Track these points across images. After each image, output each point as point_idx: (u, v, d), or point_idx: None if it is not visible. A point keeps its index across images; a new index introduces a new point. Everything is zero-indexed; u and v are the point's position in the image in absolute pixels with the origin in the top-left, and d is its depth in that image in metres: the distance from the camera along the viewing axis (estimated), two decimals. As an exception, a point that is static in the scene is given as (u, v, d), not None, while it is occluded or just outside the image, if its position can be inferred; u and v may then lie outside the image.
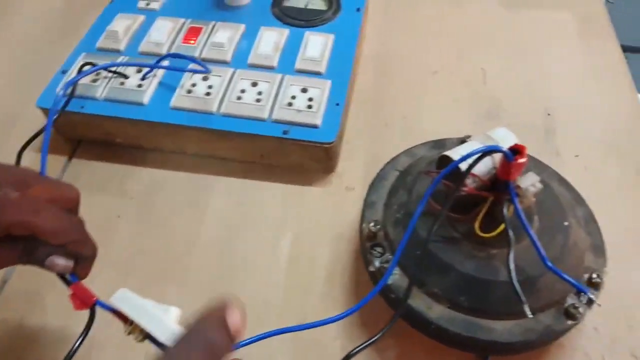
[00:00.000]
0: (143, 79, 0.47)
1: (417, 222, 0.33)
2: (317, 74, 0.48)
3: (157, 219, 0.45)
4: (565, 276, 0.32)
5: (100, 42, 0.51)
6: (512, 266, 0.30)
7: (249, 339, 0.29)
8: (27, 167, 0.30)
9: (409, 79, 0.55)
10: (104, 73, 0.48)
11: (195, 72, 0.47)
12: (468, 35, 0.60)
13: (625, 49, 0.65)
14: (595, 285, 0.33)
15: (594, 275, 0.33)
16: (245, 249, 0.43)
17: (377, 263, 0.35)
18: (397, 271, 0.34)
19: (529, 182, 0.30)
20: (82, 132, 0.49)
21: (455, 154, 0.31)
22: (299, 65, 0.49)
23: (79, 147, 0.50)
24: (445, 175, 0.29)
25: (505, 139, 0.32)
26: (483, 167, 0.31)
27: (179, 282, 0.41)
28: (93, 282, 0.31)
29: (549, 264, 0.30)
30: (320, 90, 0.46)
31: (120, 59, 0.49)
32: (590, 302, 0.33)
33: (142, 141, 0.48)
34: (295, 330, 0.33)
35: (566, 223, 0.34)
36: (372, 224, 0.36)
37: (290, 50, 0.50)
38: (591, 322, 0.39)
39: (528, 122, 0.51)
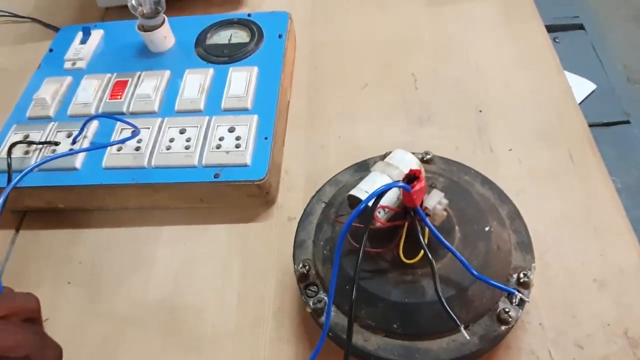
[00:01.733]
0: (73, 143, 0.48)
1: (343, 260, 0.34)
2: (243, 110, 0.49)
3: (106, 280, 0.46)
4: (493, 282, 0.32)
5: (30, 111, 0.52)
6: (439, 290, 0.30)
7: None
8: None
9: (341, 96, 0.56)
10: (34, 144, 0.48)
11: (132, 135, 0.47)
12: (396, 41, 0.60)
13: (556, 28, 0.65)
14: (524, 285, 0.34)
15: (522, 275, 0.34)
16: (194, 296, 0.44)
17: (311, 303, 0.35)
18: (333, 309, 0.35)
19: (434, 201, 0.31)
20: (25, 203, 0.50)
21: (360, 191, 0.31)
22: (225, 104, 0.49)
23: (25, 218, 0.51)
24: (352, 221, 0.30)
25: (404, 161, 0.32)
26: (391, 196, 0.31)
27: (132, 340, 0.42)
28: None
29: (475, 273, 0.30)
30: (247, 127, 0.47)
31: (51, 125, 0.50)
32: (522, 302, 0.34)
33: (84, 204, 0.49)
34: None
35: (487, 228, 0.35)
36: (301, 265, 0.36)
37: (216, 90, 0.51)
38: (536, 319, 0.39)
39: (460, 121, 0.52)
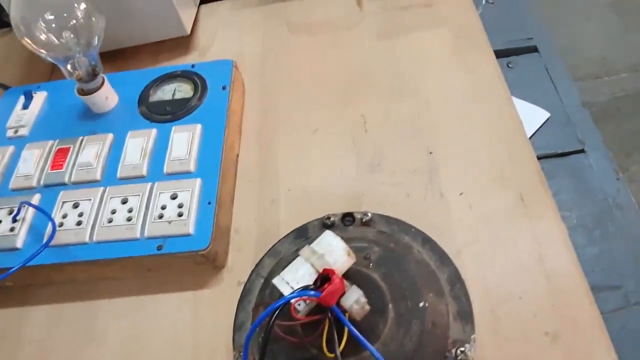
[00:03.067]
0: (14, 221, 0.47)
1: (275, 348, 0.33)
2: (186, 173, 0.48)
3: (54, 357, 0.45)
4: None
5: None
6: None
7: None
8: None
9: (291, 143, 0.55)
10: (-26, 224, 0.47)
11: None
12: (347, 80, 0.59)
13: (510, 52, 0.64)
14: (463, 360, 0.33)
15: (459, 351, 0.33)
16: (146, 373, 0.43)
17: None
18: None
19: (352, 300, 0.30)
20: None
21: (281, 281, 0.30)
22: (167, 168, 0.48)
23: (-27, 299, 0.50)
24: (259, 323, 0.29)
25: (330, 248, 0.32)
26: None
27: None
28: None
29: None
30: (190, 193, 0.46)
31: (-8, 201, 0.49)
32: (461, 381, 0.33)
33: (31, 281, 0.48)
34: None
35: (422, 304, 0.34)
36: (237, 354, 0.35)
37: (159, 153, 0.50)
38: (486, 381, 0.38)
39: (411, 165, 0.51)
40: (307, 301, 0.31)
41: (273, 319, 0.29)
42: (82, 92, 0.52)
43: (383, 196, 0.49)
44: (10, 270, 0.41)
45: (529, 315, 0.41)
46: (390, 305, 0.34)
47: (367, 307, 0.31)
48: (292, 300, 0.30)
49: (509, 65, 0.60)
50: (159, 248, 0.44)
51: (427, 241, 0.39)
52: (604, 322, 0.40)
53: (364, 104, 0.56)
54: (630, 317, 0.42)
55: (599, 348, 0.38)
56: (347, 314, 0.31)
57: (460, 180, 0.49)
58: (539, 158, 0.50)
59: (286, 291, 0.31)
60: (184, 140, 0.49)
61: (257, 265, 0.41)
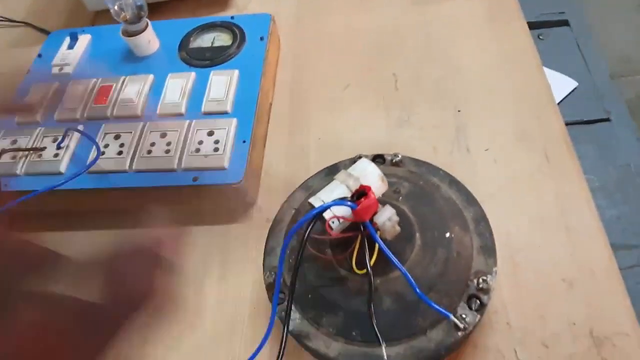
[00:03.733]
0: (58, 148, 0.49)
1: (306, 268, 0.35)
2: (223, 113, 0.50)
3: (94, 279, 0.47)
4: (433, 304, 0.32)
5: (18, 117, 0.53)
6: (372, 310, 0.31)
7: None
8: None
9: (323, 97, 0.56)
10: (21, 150, 0.50)
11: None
12: (380, 41, 0.60)
13: (541, 24, 0.65)
14: (484, 290, 0.34)
15: (481, 280, 0.34)
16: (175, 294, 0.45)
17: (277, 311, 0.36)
18: (298, 316, 0.36)
19: (385, 218, 0.32)
20: (16, 207, 0.51)
21: (317, 200, 0.32)
22: (205, 108, 0.50)
23: (15, 223, 0.52)
24: (296, 230, 0.31)
25: (365, 172, 0.33)
26: (344, 208, 0.32)
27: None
28: None
29: (418, 292, 0.31)
30: (226, 131, 0.48)
31: (37, 130, 0.51)
32: (482, 306, 0.34)
33: (71, 207, 0.50)
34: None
35: (448, 234, 0.36)
36: (268, 274, 0.37)
37: (197, 93, 0.52)
38: (504, 318, 0.40)
39: (439, 122, 0.52)
40: (342, 220, 0.33)
41: (311, 225, 0.31)
42: (127, 34, 0.55)
43: (411, 149, 0.50)
44: (54, 185, 0.44)
45: (547, 263, 0.42)
46: (418, 234, 0.36)
47: (398, 228, 0.33)
48: (327, 217, 0.32)
49: (540, 37, 0.61)
50: (195, 180, 0.46)
51: (454, 183, 0.41)
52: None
53: (396, 64, 0.58)
54: (645, 275, 0.43)
55: (614, 297, 0.40)
56: (378, 232, 0.32)
57: (487, 138, 0.50)
58: (565, 124, 0.51)
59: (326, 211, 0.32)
60: (222, 83, 0.51)
61: (288, 197, 0.42)
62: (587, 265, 0.41)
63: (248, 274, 0.45)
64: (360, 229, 0.32)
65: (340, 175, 0.34)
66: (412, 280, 0.31)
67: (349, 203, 0.30)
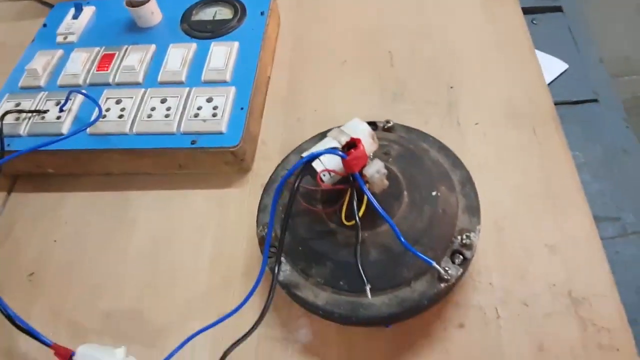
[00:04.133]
0: (61, 111, 0.50)
1: (297, 222, 0.37)
2: (222, 82, 0.51)
3: (90, 238, 0.49)
4: (417, 253, 0.33)
5: (22, 81, 0.54)
6: (358, 253, 0.33)
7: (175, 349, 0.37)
8: None
9: (320, 72, 0.58)
10: (24, 112, 0.51)
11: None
12: (377, 20, 0.62)
13: (535, 10, 0.67)
14: (467, 246, 0.36)
15: (464, 237, 0.36)
16: (171, 256, 0.46)
17: (270, 264, 0.38)
18: (288, 268, 0.37)
19: (373, 170, 0.33)
20: (17, 167, 0.52)
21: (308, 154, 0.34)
22: (205, 76, 0.52)
23: (16, 182, 0.54)
24: (288, 177, 0.32)
25: (357, 130, 0.35)
26: (338, 162, 0.33)
27: (113, 294, 0.45)
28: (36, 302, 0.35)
29: (403, 241, 0.33)
30: (224, 98, 0.49)
31: (41, 94, 0.53)
32: (465, 261, 0.36)
33: (71, 169, 0.52)
34: (206, 330, 0.37)
35: (434, 193, 0.37)
36: (261, 228, 0.39)
37: (198, 63, 0.53)
38: (486, 278, 0.41)
39: (431, 97, 0.54)
40: (332, 173, 0.34)
41: (301, 174, 0.32)
42: (131, 4, 0.56)
43: (403, 121, 0.51)
44: (55, 140, 0.45)
45: (531, 229, 0.43)
46: (405, 192, 0.37)
47: (386, 182, 0.34)
48: (319, 170, 0.34)
49: (534, 22, 0.63)
50: (193, 143, 0.47)
51: (442, 148, 0.42)
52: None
53: (392, 42, 0.59)
54: (625, 245, 0.45)
55: (594, 261, 0.41)
56: (367, 185, 0.34)
57: (477, 113, 0.52)
58: (554, 104, 0.52)
59: (315, 162, 0.34)
60: (222, 54, 0.53)
61: (283, 160, 0.44)
62: (569, 232, 0.43)
63: (242, 235, 0.47)
64: (350, 184, 0.34)
65: (333, 132, 0.35)
66: (397, 230, 0.32)
67: (339, 152, 0.32)
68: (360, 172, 0.34)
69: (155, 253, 0.47)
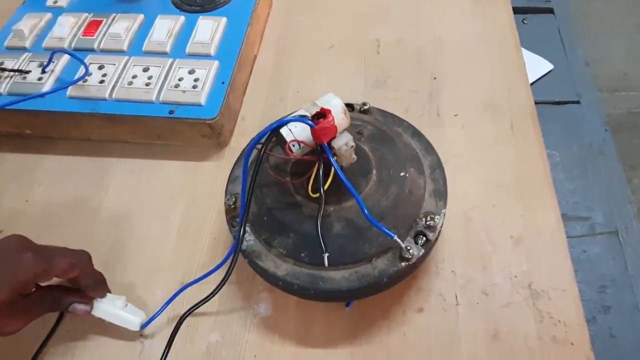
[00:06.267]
0: (43, 72, 0.50)
1: (264, 192, 0.37)
2: (206, 55, 0.51)
3: (63, 201, 0.49)
4: (378, 225, 0.33)
5: (8, 41, 0.54)
6: (319, 222, 0.33)
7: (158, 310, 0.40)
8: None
9: (306, 55, 0.58)
10: (6, 71, 0.51)
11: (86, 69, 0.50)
12: (367, 8, 0.62)
13: (527, 10, 0.67)
14: (431, 228, 0.36)
15: (429, 218, 0.36)
16: (141, 223, 0.47)
17: (234, 232, 0.38)
18: (251, 237, 0.37)
19: (342, 142, 0.33)
20: (-4, 127, 0.53)
21: (285, 128, 0.34)
22: (189, 49, 0.52)
23: (-6, 142, 0.54)
24: (255, 143, 0.33)
25: (330, 103, 0.35)
26: (307, 133, 0.33)
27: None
28: None
29: (366, 213, 0.33)
30: (206, 71, 0.49)
31: (25, 55, 0.53)
32: (427, 242, 0.36)
33: (50, 131, 0.52)
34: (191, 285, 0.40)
35: (403, 174, 0.37)
36: (229, 197, 0.39)
37: (184, 36, 0.53)
38: (449, 266, 0.42)
39: (414, 86, 0.54)
40: (302, 145, 0.34)
41: (268, 139, 0.32)
42: (122, -27, 0.56)
43: (384, 108, 0.52)
44: (36, 95, 0.45)
45: (498, 220, 0.44)
46: (374, 171, 0.37)
47: (354, 156, 0.34)
48: (288, 140, 0.34)
49: (524, 22, 0.63)
50: (171, 112, 0.47)
51: (416, 134, 0.42)
52: (568, 245, 0.43)
53: (380, 31, 0.59)
54: (592, 244, 0.45)
55: (557, 256, 0.42)
56: (335, 157, 0.34)
57: (458, 105, 0.52)
58: (535, 103, 0.53)
59: (285, 131, 0.34)
60: (209, 28, 0.53)
61: (258, 134, 0.44)
62: (535, 226, 0.43)
63: (213, 207, 0.47)
64: (318, 155, 0.34)
65: (306, 105, 0.35)
66: (362, 202, 0.33)
67: (308, 121, 0.32)
68: (329, 144, 0.34)
69: (124, 219, 0.47)
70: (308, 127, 0.34)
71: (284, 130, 0.34)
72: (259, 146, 0.35)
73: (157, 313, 0.39)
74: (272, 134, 0.33)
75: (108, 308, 0.38)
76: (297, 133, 0.34)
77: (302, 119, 0.32)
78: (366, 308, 0.40)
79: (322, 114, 0.33)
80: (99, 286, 0.38)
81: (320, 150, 0.34)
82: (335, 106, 0.35)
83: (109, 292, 0.39)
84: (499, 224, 0.44)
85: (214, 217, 0.46)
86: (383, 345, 0.38)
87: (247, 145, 0.44)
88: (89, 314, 0.38)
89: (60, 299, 0.37)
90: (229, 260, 0.36)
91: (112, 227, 0.46)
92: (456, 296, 0.40)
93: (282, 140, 0.34)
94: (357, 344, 0.39)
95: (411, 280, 0.41)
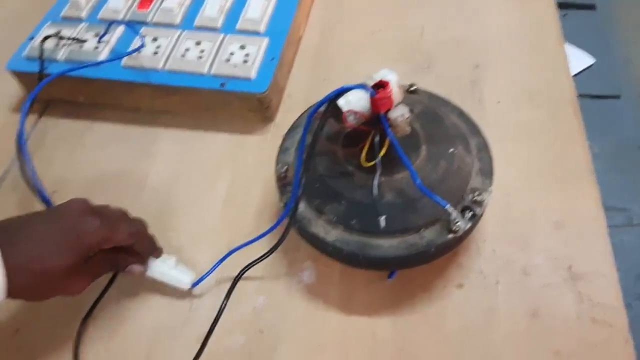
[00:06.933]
0: (99, 42, 0.52)
1: (317, 161, 0.38)
2: (256, 32, 0.53)
3: (111, 166, 0.50)
4: (430, 193, 0.34)
5: (65, 12, 0.56)
6: (375, 189, 0.35)
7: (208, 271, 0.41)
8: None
9: (350, 38, 0.59)
10: (64, 39, 0.53)
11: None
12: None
13: (569, 5, 0.67)
14: (477, 203, 0.37)
15: (476, 194, 0.37)
16: (187, 190, 0.48)
17: (284, 199, 0.39)
18: (302, 204, 0.39)
19: (398, 113, 0.34)
20: (50, 92, 0.54)
21: (342, 98, 0.35)
22: (240, 25, 0.53)
23: (47, 108, 0.56)
24: (316, 110, 0.34)
25: (386, 77, 0.36)
26: (363, 104, 0.35)
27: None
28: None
29: (418, 182, 0.34)
30: (257, 47, 0.51)
31: (82, 25, 0.54)
32: (474, 217, 0.37)
33: (102, 99, 0.54)
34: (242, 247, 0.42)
35: (451, 150, 0.38)
36: (280, 166, 0.40)
37: (235, 12, 0.54)
38: (490, 246, 0.43)
39: (456, 73, 0.55)
40: (358, 115, 0.35)
41: (328, 108, 0.34)
42: (176, -50, 0.57)
43: (427, 92, 0.53)
44: (93, 63, 0.47)
45: (539, 204, 0.45)
46: (424, 146, 0.38)
47: (409, 128, 0.35)
48: (345, 109, 0.35)
49: (565, 16, 0.63)
50: (222, 85, 0.49)
51: (463, 114, 0.43)
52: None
53: (425, 17, 0.60)
54: (630, 234, 0.46)
55: (597, 242, 0.42)
56: (391, 128, 0.35)
57: (500, 93, 0.53)
58: (577, 95, 0.53)
59: (343, 101, 0.35)
60: (260, 5, 0.54)
61: (308, 108, 0.45)
62: (575, 212, 0.44)
63: (257, 179, 0.48)
64: (372, 128, 0.35)
65: (364, 78, 0.37)
66: (415, 171, 0.34)
67: (369, 89, 0.33)
68: (385, 115, 0.35)
69: (172, 187, 0.48)
70: (364, 99, 0.35)
71: (341, 101, 0.35)
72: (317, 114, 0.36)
73: (207, 272, 0.41)
74: (333, 101, 0.34)
75: (161, 267, 0.40)
76: (353, 103, 0.35)
77: (363, 86, 0.33)
78: (407, 281, 0.41)
79: (381, 84, 0.34)
80: (154, 249, 0.40)
81: (377, 120, 0.35)
82: (392, 80, 0.36)
83: (163, 253, 0.41)
84: (540, 208, 0.44)
85: (259, 188, 0.47)
86: (424, 316, 0.40)
87: (307, 109, 0.45)
88: (144, 274, 0.40)
89: (119, 261, 0.38)
90: (280, 226, 0.38)
91: (158, 194, 0.48)
92: (496, 275, 0.41)
93: (336, 112, 0.35)
94: (399, 313, 0.40)
95: (452, 257, 0.42)
